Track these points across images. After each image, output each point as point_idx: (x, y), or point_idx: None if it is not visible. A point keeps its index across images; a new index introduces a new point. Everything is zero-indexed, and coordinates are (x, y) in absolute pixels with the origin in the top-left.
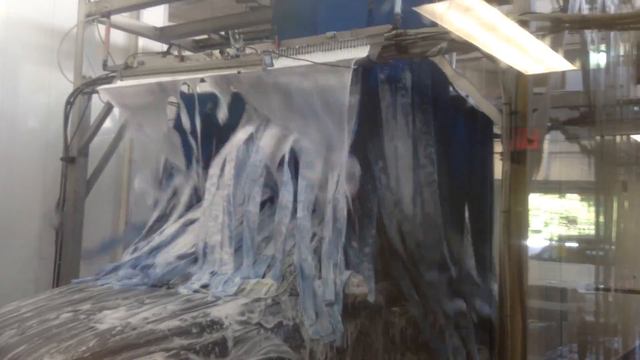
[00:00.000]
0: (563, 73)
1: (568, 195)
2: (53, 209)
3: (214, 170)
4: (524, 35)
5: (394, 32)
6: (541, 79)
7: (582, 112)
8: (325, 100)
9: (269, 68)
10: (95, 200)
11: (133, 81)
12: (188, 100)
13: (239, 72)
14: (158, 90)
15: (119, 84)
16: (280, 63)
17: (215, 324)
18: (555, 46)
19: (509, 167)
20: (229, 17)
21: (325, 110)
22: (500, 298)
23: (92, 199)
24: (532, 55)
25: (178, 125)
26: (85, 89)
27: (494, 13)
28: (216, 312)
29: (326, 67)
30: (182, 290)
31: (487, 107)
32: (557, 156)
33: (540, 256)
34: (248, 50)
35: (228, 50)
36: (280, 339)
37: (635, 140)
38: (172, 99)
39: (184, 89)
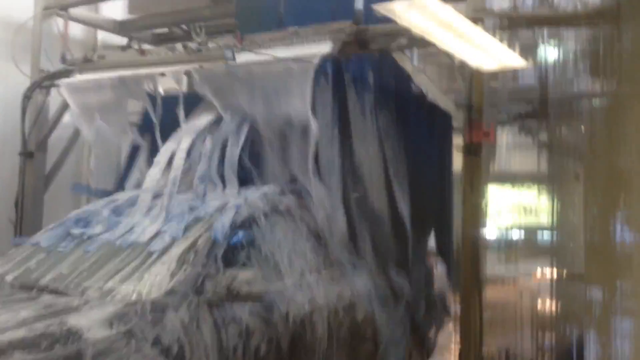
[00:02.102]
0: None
1: (524, 186)
2: (11, 204)
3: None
4: (477, 33)
5: (355, 28)
6: (497, 74)
7: (536, 106)
8: (289, 94)
9: (230, 62)
10: (55, 195)
11: (93, 75)
12: (153, 99)
13: (200, 67)
14: (119, 84)
15: (78, 78)
16: (243, 57)
17: (71, 335)
18: (510, 41)
19: (466, 159)
20: (190, 10)
21: (289, 104)
22: (459, 288)
23: (51, 194)
24: (486, 52)
25: (145, 124)
26: (44, 82)
27: (449, 11)
28: (76, 319)
29: (289, 62)
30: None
31: (445, 102)
32: (515, 149)
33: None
34: (210, 45)
35: (190, 44)
36: (158, 352)
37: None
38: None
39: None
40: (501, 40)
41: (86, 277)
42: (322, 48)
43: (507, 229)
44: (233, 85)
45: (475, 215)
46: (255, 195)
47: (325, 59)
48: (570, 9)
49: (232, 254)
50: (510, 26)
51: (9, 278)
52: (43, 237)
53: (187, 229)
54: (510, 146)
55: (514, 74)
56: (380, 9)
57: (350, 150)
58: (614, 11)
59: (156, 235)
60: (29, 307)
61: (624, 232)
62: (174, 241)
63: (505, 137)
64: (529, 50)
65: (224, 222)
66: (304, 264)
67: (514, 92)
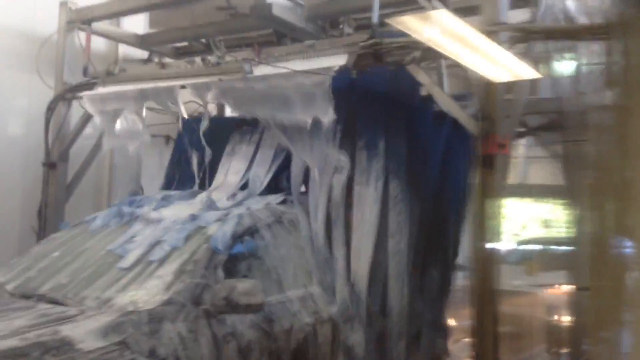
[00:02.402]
0: (535, 80)
1: (540, 199)
2: (34, 213)
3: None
4: (490, 46)
5: (370, 41)
6: (512, 86)
7: (552, 118)
8: (308, 107)
9: (248, 75)
10: (76, 204)
11: (114, 88)
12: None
13: (220, 80)
14: (139, 96)
15: (100, 90)
16: (260, 71)
17: (63, 345)
18: (525, 53)
19: (480, 171)
20: (210, 25)
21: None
22: (472, 303)
23: (72, 203)
24: (500, 64)
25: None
26: (66, 95)
27: (462, 24)
28: (70, 329)
29: (306, 75)
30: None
31: (460, 114)
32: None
33: (511, 260)
34: (229, 58)
35: (209, 57)
36: None
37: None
38: (151, 103)
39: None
40: (516, 52)
41: (84, 286)
42: (338, 61)
43: (524, 242)
44: (251, 97)
45: (488, 227)
46: (258, 205)
47: (340, 71)
48: (583, 22)
49: (233, 265)
50: (525, 39)
51: (10, 287)
52: (98, 217)
53: (188, 238)
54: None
55: (531, 86)
56: (394, 22)
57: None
58: (622, 25)
59: (156, 244)
60: (24, 316)
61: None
62: (173, 250)
63: (521, 149)
64: (545, 61)
65: (225, 231)
66: (307, 276)
67: (531, 104)
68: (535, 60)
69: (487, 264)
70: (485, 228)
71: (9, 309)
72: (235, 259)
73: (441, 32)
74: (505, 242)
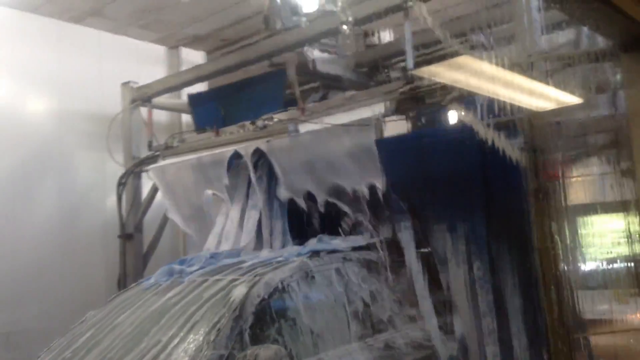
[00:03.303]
0: (593, 98)
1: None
2: (114, 283)
3: None
4: (524, 80)
5: (408, 86)
6: (561, 110)
7: (613, 135)
8: (356, 157)
9: (293, 135)
10: (153, 271)
11: (174, 159)
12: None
13: (267, 141)
14: (196, 164)
15: (162, 163)
16: (305, 128)
17: None
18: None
19: (536, 203)
20: None
21: (357, 167)
22: (547, 337)
23: (149, 271)
24: (539, 95)
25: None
26: (135, 169)
27: (487, 65)
28: None
29: (350, 128)
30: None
31: (508, 148)
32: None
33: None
34: (276, 118)
35: (257, 121)
36: None
37: None
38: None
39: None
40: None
41: None
42: (378, 109)
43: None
44: (298, 155)
45: (552, 258)
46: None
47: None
48: None
49: (260, 329)
50: (566, 65)
51: None
52: (154, 275)
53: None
54: (599, 175)
55: (591, 104)
56: (420, 72)
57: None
58: None
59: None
60: None
61: None
62: (200, 315)
63: (582, 169)
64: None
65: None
66: (345, 332)
67: (593, 122)
68: (589, 79)
69: (557, 295)
70: (549, 258)
71: None
72: (264, 321)
73: (468, 75)
74: (589, 264)
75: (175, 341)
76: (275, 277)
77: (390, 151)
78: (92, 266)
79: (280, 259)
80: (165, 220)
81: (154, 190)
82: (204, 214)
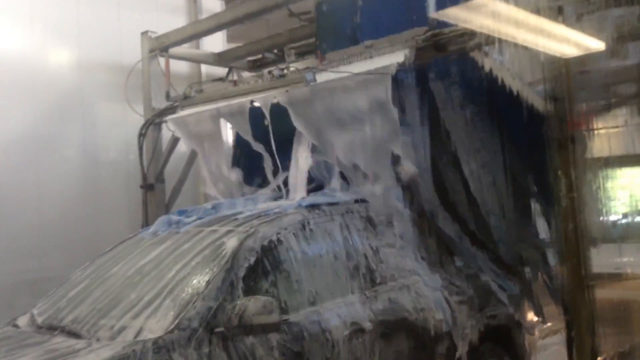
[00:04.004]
0: (624, 46)
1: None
2: None
3: None
4: (549, 24)
5: (429, 33)
6: (587, 59)
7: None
8: (372, 108)
9: (312, 84)
10: None
11: (192, 110)
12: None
13: (286, 91)
14: (216, 115)
15: (180, 113)
16: (323, 77)
17: None
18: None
19: (559, 153)
20: (277, 35)
21: (373, 118)
22: (562, 286)
23: None
24: (564, 40)
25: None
26: (154, 120)
27: (511, 8)
28: None
29: (368, 76)
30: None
31: (530, 96)
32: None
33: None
34: (293, 67)
35: (273, 70)
36: None
37: None
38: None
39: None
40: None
41: (103, 314)
42: (399, 58)
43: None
44: (314, 105)
45: (574, 210)
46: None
47: (401, 67)
48: None
49: (253, 281)
50: (594, 9)
51: (40, 319)
52: (154, 225)
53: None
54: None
55: (618, 52)
56: (441, 16)
57: (447, 150)
58: None
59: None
60: (31, 353)
61: None
62: (192, 266)
63: (608, 120)
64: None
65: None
66: (344, 286)
67: (619, 72)
68: (617, 26)
69: (576, 246)
70: (570, 210)
71: (21, 346)
72: (257, 273)
73: (491, 18)
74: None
75: (165, 292)
76: (270, 229)
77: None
78: (115, 216)
79: (277, 210)
80: (186, 170)
81: (174, 141)
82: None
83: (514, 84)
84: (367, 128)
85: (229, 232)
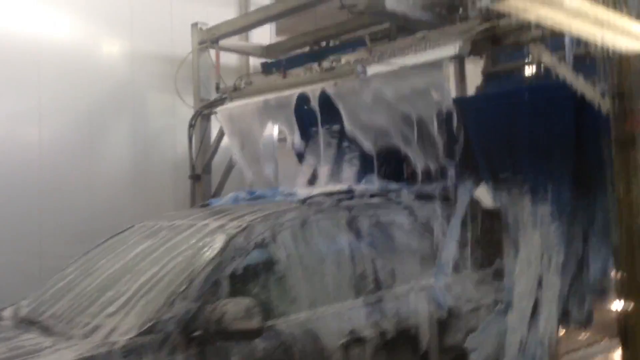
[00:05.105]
0: None
1: None
2: None
3: None
4: (613, 16)
5: (485, 25)
6: None
7: None
8: (424, 101)
9: (361, 77)
10: None
11: (242, 101)
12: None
13: (335, 84)
14: (263, 107)
15: (229, 105)
16: (374, 69)
17: None
18: None
19: (619, 153)
20: (325, 28)
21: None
22: (619, 293)
23: None
24: (629, 34)
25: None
26: (203, 111)
27: (575, 1)
28: None
29: (421, 68)
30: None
31: (590, 92)
32: None
33: None
34: (344, 60)
35: (324, 63)
36: None
37: None
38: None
39: None
40: None
41: (81, 311)
42: (452, 50)
43: None
44: (365, 98)
45: (634, 212)
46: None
47: (456, 60)
48: None
49: (241, 282)
50: None
51: (24, 312)
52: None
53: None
54: None
55: None
56: (501, 5)
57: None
58: None
59: None
60: None
61: None
62: (179, 261)
63: None
64: None
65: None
66: (343, 289)
67: None
68: None
69: (632, 250)
70: (631, 214)
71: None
72: (247, 273)
73: (552, 8)
74: None
75: (144, 290)
76: (264, 226)
77: (472, 110)
78: (163, 205)
79: (283, 206)
80: (232, 162)
81: (222, 133)
82: (267, 156)
83: (575, 82)
84: (415, 121)
85: (221, 226)
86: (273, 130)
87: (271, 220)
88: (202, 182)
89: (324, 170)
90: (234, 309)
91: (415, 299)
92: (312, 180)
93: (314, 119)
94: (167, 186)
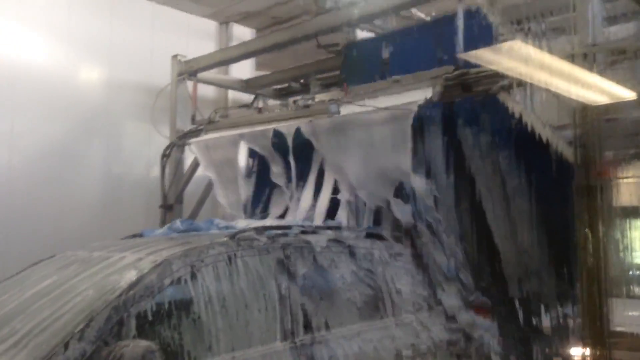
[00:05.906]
0: None
1: None
2: None
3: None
4: (577, 70)
5: (456, 72)
6: (615, 106)
7: None
8: (392, 142)
9: (335, 115)
10: None
11: (216, 134)
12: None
13: (310, 122)
14: (238, 140)
15: (204, 137)
16: (347, 110)
17: None
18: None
19: (582, 201)
20: (304, 66)
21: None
22: (583, 340)
23: None
24: (592, 87)
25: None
26: (178, 142)
27: (540, 53)
28: None
29: (392, 111)
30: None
31: (556, 141)
32: None
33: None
34: (318, 98)
35: (298, 100)
36: None
37: None
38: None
39: None
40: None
41: None
42: (424, 95)
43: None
44: (337, 137)
45: (596, 258)
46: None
47: (426, 105)
48: None
49: (149, 323)
50: (626, 59)
51: None
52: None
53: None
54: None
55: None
56: (467, 57)
57: (471, 191)
58: None
59: None
60: None
61: None
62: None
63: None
64: None
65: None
66: (269, 332)
67: None
68: None
69: (596, 299)
70: (593, 261)
71: None
72: (158, 313)
73: (518, 61)
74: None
75: (40, 328)
76: (180, 262)
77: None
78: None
79: (209, 240)
80: (205, 193)
81: (196, 163)
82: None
83: (541, 130)
84: (382, 163)
85: (138, 260)
86: (248, 161)
87: (192, 256)
88: (174, 211)
89: (294, 203)
90: (131, 352)
91: (348, 345)
92: (285, 212)
93: (288, 152)
94: (139, 215)
